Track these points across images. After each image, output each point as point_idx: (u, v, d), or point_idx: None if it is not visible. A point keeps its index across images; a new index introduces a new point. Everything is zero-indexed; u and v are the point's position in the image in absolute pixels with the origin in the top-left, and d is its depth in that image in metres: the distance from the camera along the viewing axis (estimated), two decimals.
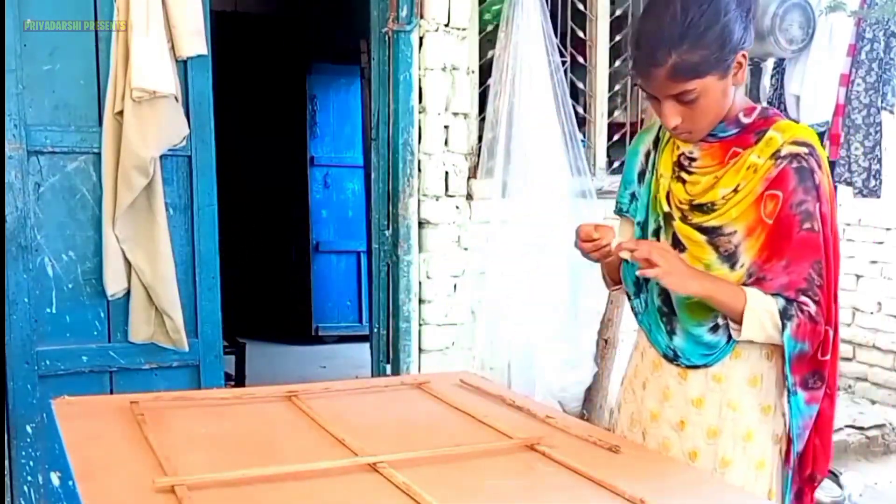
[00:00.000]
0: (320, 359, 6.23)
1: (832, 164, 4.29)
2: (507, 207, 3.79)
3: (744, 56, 1.57)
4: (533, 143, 3.80)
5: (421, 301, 3.75)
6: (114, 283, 2.99)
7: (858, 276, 5.03)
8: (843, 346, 5.14)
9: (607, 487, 1.43)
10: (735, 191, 1.60)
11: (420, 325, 3.76)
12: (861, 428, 4.53)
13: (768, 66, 4.57)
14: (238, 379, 4.90)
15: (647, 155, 1.81)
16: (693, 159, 1.67)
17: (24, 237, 2.94)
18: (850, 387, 5.12)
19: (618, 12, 4.22)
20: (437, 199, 3.74)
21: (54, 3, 2.94)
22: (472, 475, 1.50)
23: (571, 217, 3.68)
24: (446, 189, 3.76)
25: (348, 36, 6.37)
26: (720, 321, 1.64)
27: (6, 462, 3.01)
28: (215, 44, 3.12)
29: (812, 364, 1.61)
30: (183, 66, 3.07)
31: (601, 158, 4.24)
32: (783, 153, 1.57)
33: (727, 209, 1.60)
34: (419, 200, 3.69)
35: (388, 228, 3.72)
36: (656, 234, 1.72)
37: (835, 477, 3.75)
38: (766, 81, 4.58)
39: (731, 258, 1.62)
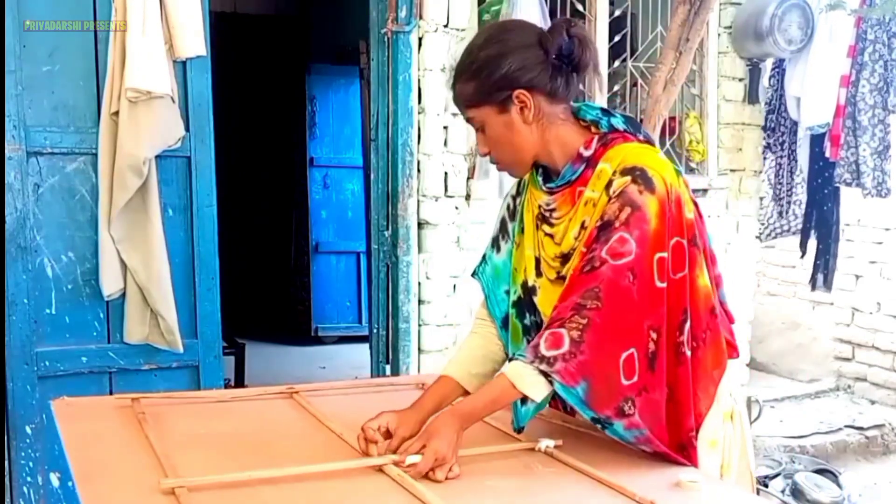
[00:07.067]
0: (320, 359, 6.23)
1: (832, 165, 4.28)
2: None
3: (526, 96, 1.56)
4: None
5: (420, 302, 3.75)
6: (110, 284, 2.99)
7: (858, 276, 5.03)
8: (841, 346, 5.14)
9: (616, 488, 1.44)
10: (583, 227, 1.58)
11: (419, 325, 3.76)
12: (860, 428, 4.53)
13: (767, 66, 4.57)
14: (237, 379, 4.89)
15: (503, 223, 1.81)
16: (552, 210, 1.66)
17: (23, 238, 2.94)
18: (849, 387, 5.12)
19: (617, 13, 4.22)
20: (436, 200, 3.74)
21: (54, 4, 2.94)
22: (477, 476, 1.50)
23: None
24: (445, 190, 3.76)
25: (348, 36, 6.37)
26: None
27: (6, 463, 3.01)
28: (215, 44, 3.12)
29: (615, 395, 1.50)
30: (182, 66, 3.07)
31: None
32: (614, 186, 1.53)
33: (579, 249, 1.57)
34: (418, 201, 3.70)
35: (388, 229, 3.72)
36: (517, 304, 1.73)
37: (834, 477, 3.75)
38: (764, 82, 4.58)
39: None
